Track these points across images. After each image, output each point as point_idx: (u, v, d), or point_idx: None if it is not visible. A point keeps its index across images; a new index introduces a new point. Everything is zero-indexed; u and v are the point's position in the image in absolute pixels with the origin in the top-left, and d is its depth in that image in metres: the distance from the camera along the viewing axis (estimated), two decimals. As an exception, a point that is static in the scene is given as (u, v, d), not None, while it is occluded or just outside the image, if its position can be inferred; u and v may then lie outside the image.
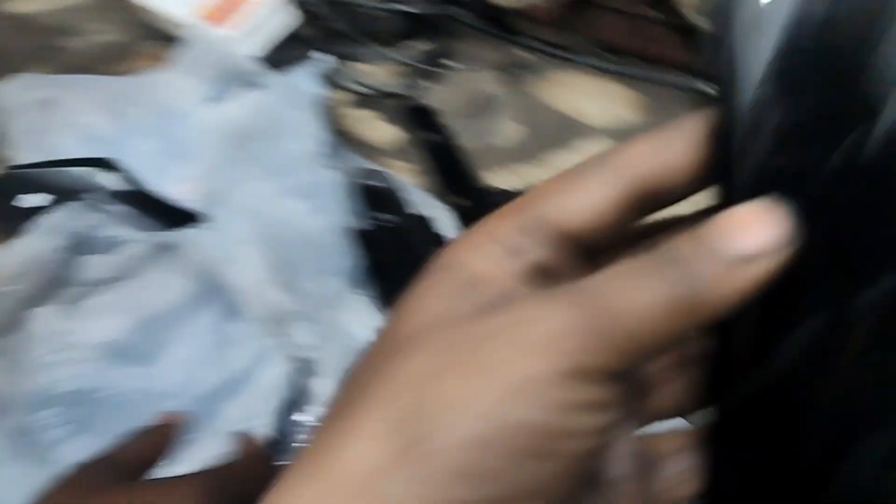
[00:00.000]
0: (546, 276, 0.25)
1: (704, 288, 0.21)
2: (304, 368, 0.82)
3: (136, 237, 0.84)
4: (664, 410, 0.28)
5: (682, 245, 0.22)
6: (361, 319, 0.86)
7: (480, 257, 0.24)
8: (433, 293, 0.24)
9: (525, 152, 1.48)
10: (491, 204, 1.00)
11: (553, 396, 0.20)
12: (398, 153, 1.47)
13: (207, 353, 0.78)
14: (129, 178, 0.91)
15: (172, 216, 0.94)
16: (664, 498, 0.27)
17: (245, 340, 0.79)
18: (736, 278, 0.21)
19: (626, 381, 0.22)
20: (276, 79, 0.97)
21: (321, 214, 0.90)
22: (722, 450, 0.25)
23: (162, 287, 0.83)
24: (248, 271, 0.83)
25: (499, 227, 0.25)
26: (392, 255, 0.85)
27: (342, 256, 0.87)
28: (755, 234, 0.21)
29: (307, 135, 0.95)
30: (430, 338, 0.22)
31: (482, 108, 1.54)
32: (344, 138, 1.41)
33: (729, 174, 0.23)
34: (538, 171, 1.38)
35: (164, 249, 0.85)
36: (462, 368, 0.21)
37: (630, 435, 0.26)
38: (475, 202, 1.04)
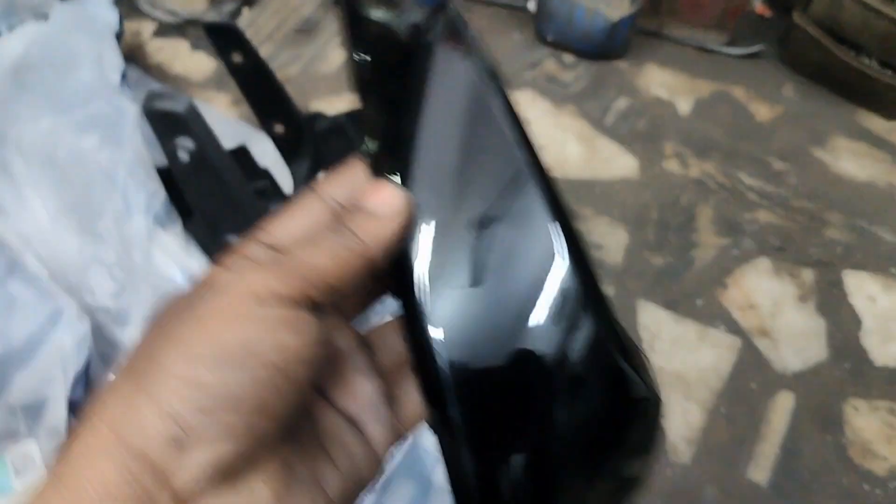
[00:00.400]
0: None
1: (359, 238, 0.28)
2: (111, 319, 0.73)
3: None
4: (390, 365, 0.34)
5: (347, 216, 0.29)
6: (174, 258, 0.77)
7: (227, 273, 0.28)
8: (177, 299, 0.28)
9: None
10: (308, 128, 0.91)
11: (253, 317, 0.26)
12: (212, 84, 1.37)
13: None
14: None
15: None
16: (407, 422, 0.33)
17: (32, 301, 0.69)
18: (381, 230, 0.29)
19: (320, 314, 0.28)
20: (66, 8, 0.85)
21: (117, 148, 0.79)
22: (424, 375, 0.30)
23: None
24: (29, 219, 0.73)
25: (240, 249, 0.29)
26: (204, 187, 0.76)
27: (147, 192, 0.77)
28: (389, 198, 0.29)
29: (100, 64, 0.84)
30: (160, 318, 0.27)
31: (304, 33, 1.45)
32: (150, 72, 1.29)
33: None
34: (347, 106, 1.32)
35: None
36: (184, 319, 0.26)
37: (365, 378, 0.33)
38: (292, 128, 0.96)
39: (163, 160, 0.81)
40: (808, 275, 1.09)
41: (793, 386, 0.97)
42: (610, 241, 1.11)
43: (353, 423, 0.32)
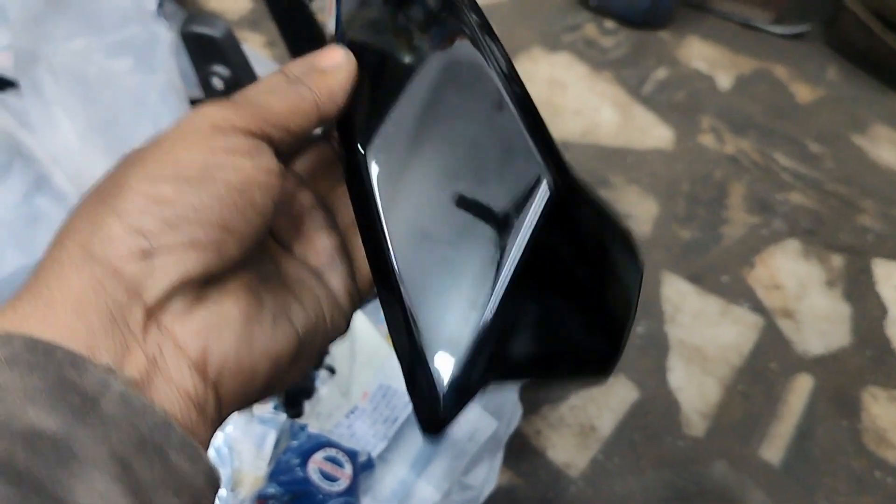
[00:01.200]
0: None
1: (309, 89, 0.31)
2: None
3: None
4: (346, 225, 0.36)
5: (294, 68, 0.32)
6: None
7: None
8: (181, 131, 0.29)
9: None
10: None
11: (210, 143, 0.27)
12: (246, 23, 1.36)
13: (12, 232, 0.67)
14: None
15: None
16: (364, 280, 0.35)
17: (58, 218, 0.68)
18: (328, 80, 0.32)
19: (274, 147, 0.30)
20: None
21: (150, 73, 0.78)
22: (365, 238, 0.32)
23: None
24: (57, 137, 0.72)
25: None
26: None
27: (177, 119, 0.76)
28: (334, 55, 0.32)
29: (135, -12, 0.82)
30: (128, 158, 0.29)
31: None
32: (185, 6, 1.28)
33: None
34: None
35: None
36: (146, 149, 0.28)
37: (324, 233, 0.34)
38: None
39: (196, 93, 0.80)
40: (836, 260, 1.07)
41: (812, 369, 0.95)
42: (639, 210, 1.10)
43: (316, 273, 0.34)
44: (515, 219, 0.29)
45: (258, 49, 1.22)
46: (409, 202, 0.30)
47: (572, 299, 0.32)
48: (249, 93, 0.30)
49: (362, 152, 0.31)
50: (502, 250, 0.29)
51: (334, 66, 0.32)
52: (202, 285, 0.27)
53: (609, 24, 1.40)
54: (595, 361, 0.33)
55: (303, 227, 0.34)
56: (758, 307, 1.01)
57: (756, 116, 1.26)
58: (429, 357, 0.29)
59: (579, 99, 1.25)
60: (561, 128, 1.20)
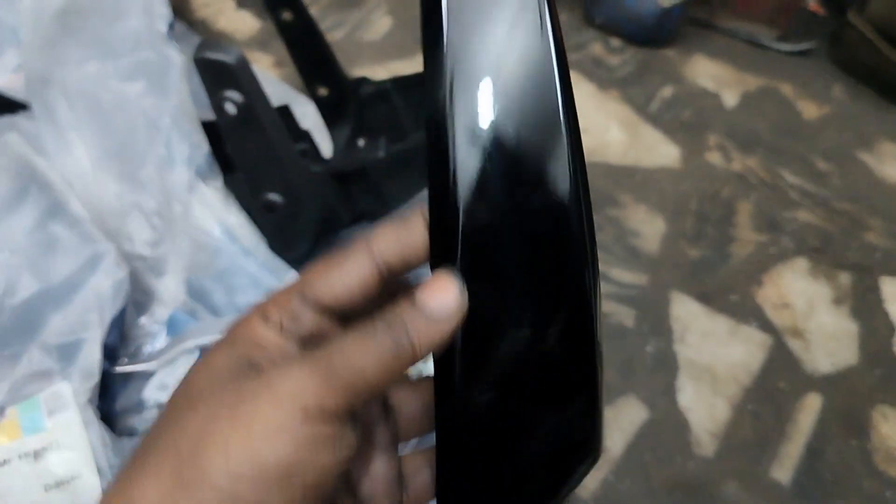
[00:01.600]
0: (318, 340, 0.31)
1: (409, 341, 0.29)
2: (148, 268, 0.73)
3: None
4: (408, 432, 0.36)
5: (393, 309, 0.30)
6: (213, 212, 0.77)
7: (265, 326, 0.31)
8: (221, 356, 0.30)
9: (396, 47, 1.41)
10: (352, 93, 0.90)
11: (297, 436, 0.27)
12: (255, 44, 1.37)
13: (28, 258, 0.67)
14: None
15: (-11, 104, 0.82)
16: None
17: (73, 243, 0.69)
18: (432, 332, 0.30)
19: (355, 420, 0.29)
20: (112, -47, 0.84)
21: (162, 97, 0.79)
22: (446, 463, 0.33)
23: (-29, 180, 0.71)
24: (71, 163, 0.73)
25: (283, 299, 0.32)
26: (248, 142, 0.76)
27: (190, 144, 0.77)
28: (446, 295, 0.30)
29: (148, 13, 0.83)
30: (209, 395, 0.28)
31: (352, -1, 1.44)
32: (194, 27, 1.29)
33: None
34: (407, 67, 1.31)
35: (-27, 138, 0.73)
36: (229, 420, 0.27)
37: (384, 457, 0.34)
38: (336, 91, 0.95)
39: (207, 114, 0.81)
40: (844, 278, 1.07)
41: (822, 388, 0.95)
42: (647, 229, 1.10)
43: (361, 501, 0.34)
44: None
45: (267, 69, 1.23)
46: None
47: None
48: (344, 350, 0.29)
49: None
50: None
51: (444, 315, 0.30)
52: None
53: (615, 42, 1.41)
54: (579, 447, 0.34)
55: (363, 448, 0.34)
56: (766, 326, 1.01)
57: (763, 134, 1.26)
58: None
59: (587, 118, 1.26)
60: (568, 147, 1.20)
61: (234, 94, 0.72)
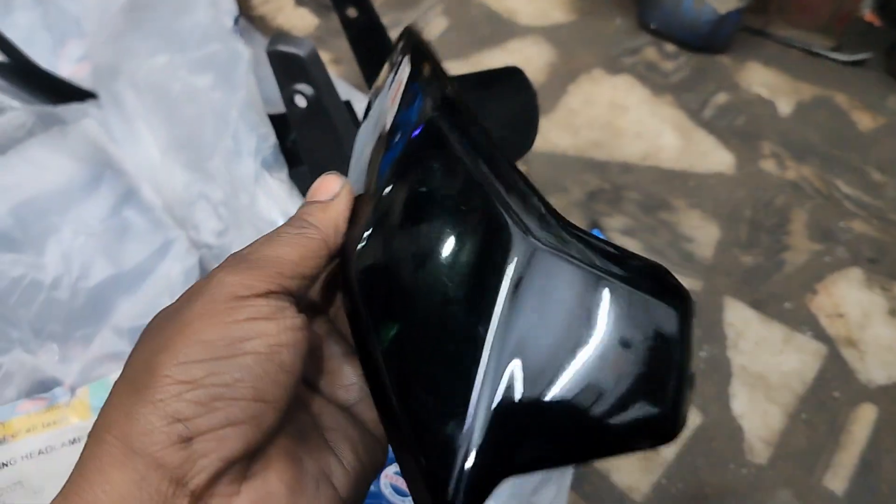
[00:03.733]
0: None
1: (311, 224, 0.33)
2: (214, 256, 0.74)
3: (14, 105, 0.73)
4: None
5: (300, 211, 0.34)
6: (278, 203, 0.78)
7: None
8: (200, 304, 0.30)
9: (452, 48, 1.41)
10: None
11: (231, 315, 0.28)
12: (313, 40, 1.38)
13: (102, 243, 0.68)
14: (10, 50, 0.79)
15: (60, 93, 0.83)
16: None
17: (145, 230, 0.70)
18: (328, 212, 0.34)
19: (294, 300, 0.31)
20: (180, -53, 0.86)
21: (230, 90, 0.80)
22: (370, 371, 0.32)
23: (47, 166, 0.72)
24: (140, 153, 0.74)
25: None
26: (316, 135, 0.76)
27: (257, 136, 0.78)
28: (329, 184, 0.35)
29: (214, 7, 0.84)
30: (154, 323, 0.31)
31: (408, -1, 1.45)
32: (253, 23, 1.30)
33: None
34: (462, 67, 1.32)
35: (50, 124, 0.74)
36: (171, 327, 0.29)
37: (342, 361, 0.36)
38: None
39: (273, 108, 0.82)
40: (900, 290, 1.06)
41: (876, 399, 0.94)
42: (700, 235, 1.09)
43: (347, 410, 0.35)
44: (496, 280, 0.30)
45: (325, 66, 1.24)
46: (396, 305, 0.31)
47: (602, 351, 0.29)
48: (261, 248, 0.32)
49: (354, 269, 0.32)
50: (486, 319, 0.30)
51: (331, 192, 0.35)
52: (245, 462, 0.28)
53: (669, 47, 1.40)
54: (651, 429, 0.29)
55: (325, 362, 0.36)
56: (821, 335, 1.00)
57: (817, 143, 1.25)
58: (435, 453, 0.29)
59: (641, 122, 1.26)
60: (622, 150, 1.20)
61: (304, 87, 0.73)
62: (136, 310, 0.67)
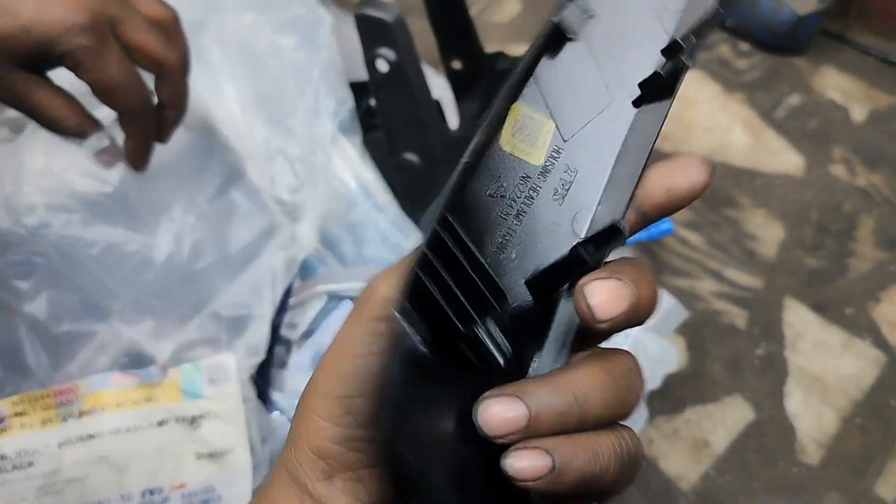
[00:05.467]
0: None
1: None
2: (287, 212, 0.75)
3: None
4: None
5: None
6: (351, 166, 0.79)
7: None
8: (347, 323, 0.30)
9: (524, 33, 1.41)
10: (487, 68, 0.90)
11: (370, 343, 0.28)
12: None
13: (210, 224, 0.67)
14: None
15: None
16: None
17: (250, 213, 0.69)
18: None
19: None
20: None
21: (313, 51, 0.81)
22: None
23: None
24: (221, 106, 0.75)
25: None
26: (395, 100, 0.77)
27: (336, 98, 0.79)
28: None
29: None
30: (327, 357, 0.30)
31: (484, -21, 1.45)
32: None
33: None
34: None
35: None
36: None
37: None
38: (470, 65, 0.96)
39: (354, 75, 0.83)
40: (965, 305, 1.05)
41: (934, 412, 0.93)
42: (765, 233, 1.09)
43: None
44: None
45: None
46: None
47: None
48: None
49: None
50: None
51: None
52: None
53: (744, 45, 1.39)
54: None
55: None
56: (881, 343, 0.99)
57: (889, 152, 1.23)
58: None
59: (711, 117, 1.25)
60: (690, 143, 1.20)
61: (388, 52, 0.74)
62: (238, 297, 0.66)
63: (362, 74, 0.83)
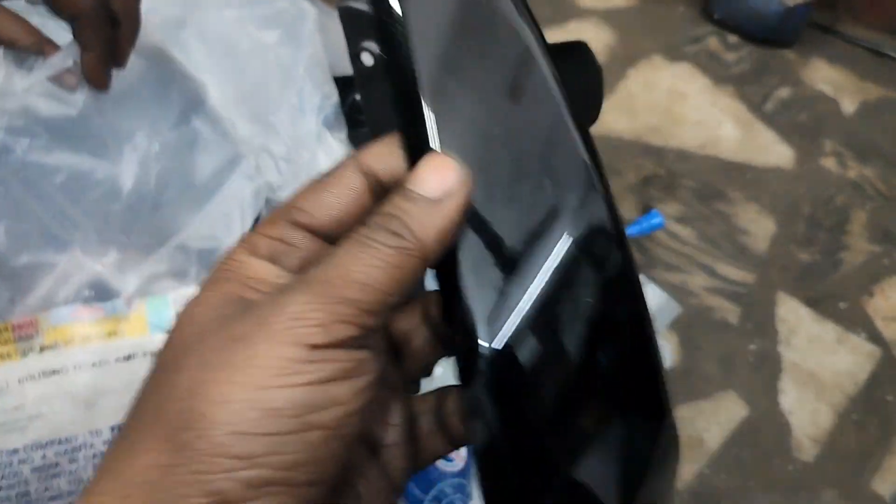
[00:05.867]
0: (305, 260, 0.27)
1: (413, 234, 0.24)
2: (270, 210, 0.73)
3: None
4: (417, 368, 0.31)
5: (384, 204, 0.25)
6: (336, 162, 0.77)
7: (254, 258, 0.27)
8: (207, 302, 0.26)
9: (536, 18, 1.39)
10: None
11: (304, 376, 0.23)
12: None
13: (173, 153, 0.65)
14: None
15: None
16: (426, 454, 0.30)
17: (214, 141, 0.66)
18: (435, 216, 0.25)
19: (372, 343, 0.25)
20: None
21: (297, 47, 0.80)
22: (472, 402, 0.27)
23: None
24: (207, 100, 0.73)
25: (270, 227, 0.27)
26: (380, 94, 0.76)
27: (321, 94, 0.78)
28: (445, 174, 0.25)
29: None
30: (197, 344, 0.24)
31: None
32: (320, -12, 1.30)
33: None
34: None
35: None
36: (224, 369, 0.23)
37: (397, 401, 0.30)
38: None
39: (338, 70, 0.81)
40: (958, 297, 1.04)
41: (929, 406, 0.92)
42: (756, 228, 1.08)
43: (374, 450, 0.29)
44: None
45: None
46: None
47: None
48: (341, 264, 0.24)
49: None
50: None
51: (442, 192, 0.25)
52: None
53: (732, 38, 1.38)
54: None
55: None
56: (875, 337, 0.98)
57: (881, 144, 1.23)
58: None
59: (700, 110, 1.24)
60: (680, 137, 1.18)
61: (372, 45, 0.73)
62: (204, 230, 0.64)
63: (346, 69, 0.82)
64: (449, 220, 0.25)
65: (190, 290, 0.61)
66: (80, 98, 0.58)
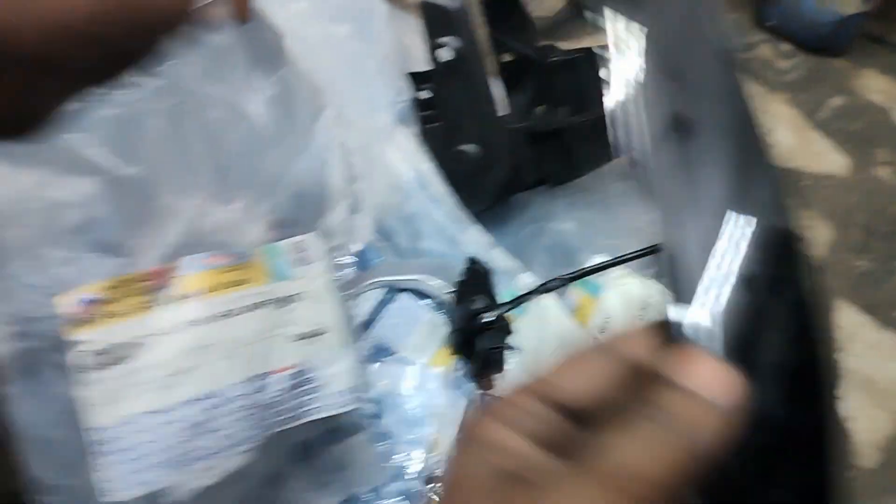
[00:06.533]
0: (565, 444, 0.28)
1: (694, 435, 0.25)
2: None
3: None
4: None
5: (662, 399, 0.25)
6: (407, 157, 0.78)
7: (508, 430, 0.28)
8: (472, 462, 0.27)
9: (565, 30, 1.40)
10: (539, 60, 0.88)
11: None
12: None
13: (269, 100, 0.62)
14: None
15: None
16: None
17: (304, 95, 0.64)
18: (715, 422, 0.25)
19: None
20: None
21: (367, 42, 0.80)
22: None
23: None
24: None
25: (519, 400, 0.29)
26: (455, 90, 0.76)
27: (393, 89, 0.78)
28: (719, 384, 0.25)
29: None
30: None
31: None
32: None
33: None
34: (576, 45, 1.31)
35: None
36: None
37: None
38: (522, 56, 0.95)
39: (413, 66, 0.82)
40: None
41: None
42: (812, 235, 1.07)
43: None
44: None
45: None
46: None
47: None
48: (620, 455, 0.24)
49: None
50: None
51: (720, 395, 0.26)
52: None
53: (785, 46, 1.38)
54: None
55: None
56: (933, 347, 0.97)
57: (934, 155, 1.22)
58: None
59: (754, 118, 1.23)
60: (735, 144, 1.18)
61: (450, 40, 0.73)
62: (311, 175, 0.62)
63: (415, 66, 0.83)
64: (729, 426, 0.25)
65: (306, 238, 0.58)
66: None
